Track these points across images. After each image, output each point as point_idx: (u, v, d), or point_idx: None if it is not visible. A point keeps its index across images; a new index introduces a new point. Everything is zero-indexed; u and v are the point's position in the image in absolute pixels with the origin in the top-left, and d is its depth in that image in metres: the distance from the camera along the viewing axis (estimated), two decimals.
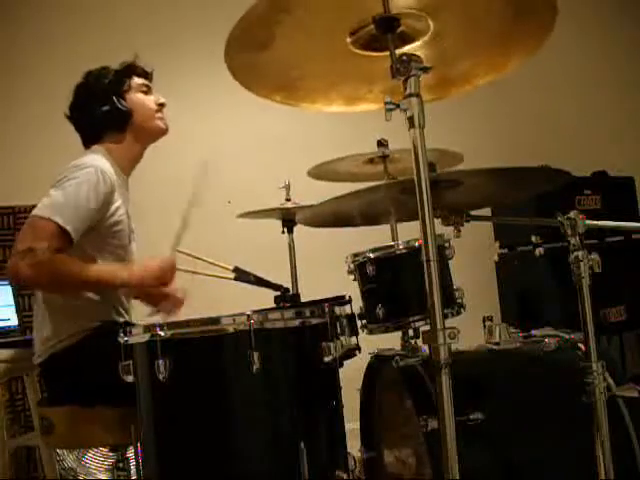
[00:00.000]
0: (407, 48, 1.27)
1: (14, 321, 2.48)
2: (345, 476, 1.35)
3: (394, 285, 1.69)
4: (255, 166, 3.33)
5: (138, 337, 1.34)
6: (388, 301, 1.66)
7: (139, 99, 1.90)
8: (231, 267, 1.99)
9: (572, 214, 1.31)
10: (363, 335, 1.74)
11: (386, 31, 1.19)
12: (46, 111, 2.59)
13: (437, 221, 1.40)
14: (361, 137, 2.28)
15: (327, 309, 1.39)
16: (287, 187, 2.42)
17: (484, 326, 1.67)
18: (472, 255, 2.74)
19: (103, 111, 1.84)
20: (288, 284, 2.22)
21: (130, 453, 1.84)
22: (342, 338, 1.50)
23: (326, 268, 2.49)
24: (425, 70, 1.13)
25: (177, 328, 1.33)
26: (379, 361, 1.72)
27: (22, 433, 2.57)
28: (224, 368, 1.31)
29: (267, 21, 1.16)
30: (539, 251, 2.98)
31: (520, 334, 1.67)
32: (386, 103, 1.13)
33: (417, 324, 1.67)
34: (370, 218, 1.77)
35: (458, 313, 1.68)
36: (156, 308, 2.02)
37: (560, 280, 2.72)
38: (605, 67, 3.88)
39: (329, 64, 1.36)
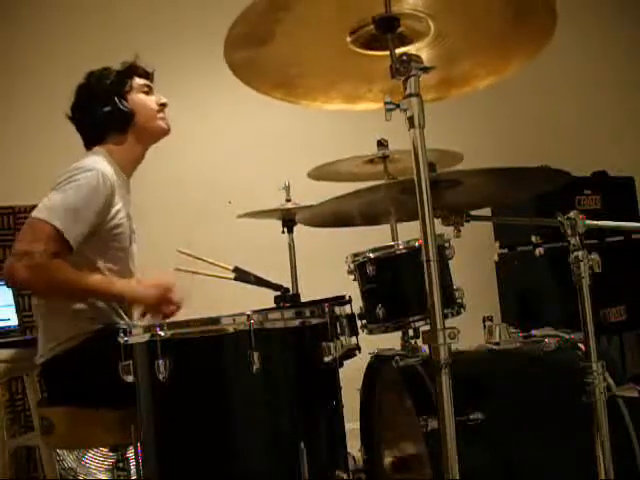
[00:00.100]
0: (407, 48, 1.27)
1: (14, 321, 2.48)
2: (345, 476, 1.35)
3: (394, 285, 1.69)
4: (255, 166, 3.33)
5: (138, 337, 1.34)
6: (388, 301, 1.66)
7: (141, 100, 1.90)
8: (231, 267, 1.99)
9: (572, 214, 1.31)
10: (363, 335, 1.74)
11: (386, 31, 1.19)
12: (46, 111, 2.60)
13: (437, 221, 1.40)
14: (361, 137, 2.28)
15: (327, 309, 1.39)
16: (287, 188, 2.43)
17: (484, 326, 1.67)
18: (472, 255, 2.73)
19: (105, 112, 1.84)
20: (288, 284, 2.22)
21: (130, 453, 1.83)
22: (342, 338, 1.50)
23: (326, 268, 2.49)
24: (425, 70, 1.13)
25: (177, 328, 1.33)
26: (379, 361, 1.71)
27: (22, 433, 2.56)
28: (224, 368, 1.31)
29: (267, 19, 1.16)
30: (539, 251, 2.98)
31: (520, 334, 1.66)
32: (386, 103, 1.13)
33: (417, 324, 1.67)
34: (370, 218, 1.77)
35: (458, 313, 1.68)
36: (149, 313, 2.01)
37: (560, 280, 2.72)
38: (605, 67, 3.88)
39: (329, 62, 1.36)
